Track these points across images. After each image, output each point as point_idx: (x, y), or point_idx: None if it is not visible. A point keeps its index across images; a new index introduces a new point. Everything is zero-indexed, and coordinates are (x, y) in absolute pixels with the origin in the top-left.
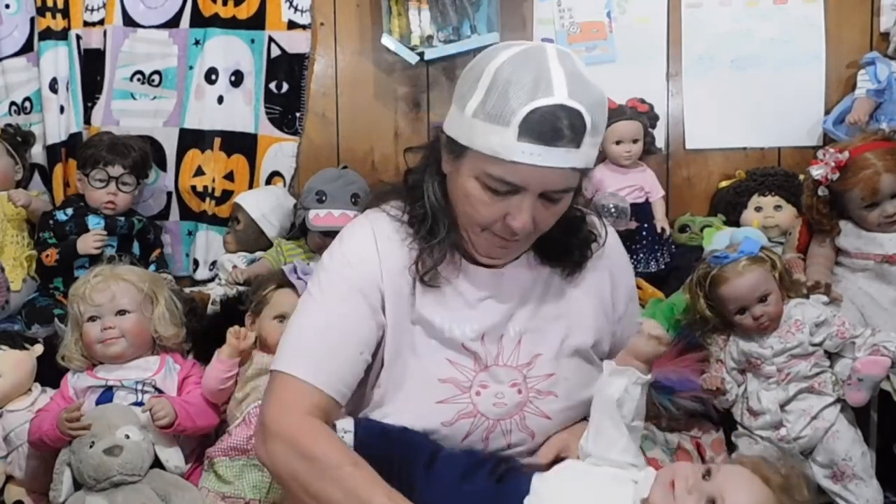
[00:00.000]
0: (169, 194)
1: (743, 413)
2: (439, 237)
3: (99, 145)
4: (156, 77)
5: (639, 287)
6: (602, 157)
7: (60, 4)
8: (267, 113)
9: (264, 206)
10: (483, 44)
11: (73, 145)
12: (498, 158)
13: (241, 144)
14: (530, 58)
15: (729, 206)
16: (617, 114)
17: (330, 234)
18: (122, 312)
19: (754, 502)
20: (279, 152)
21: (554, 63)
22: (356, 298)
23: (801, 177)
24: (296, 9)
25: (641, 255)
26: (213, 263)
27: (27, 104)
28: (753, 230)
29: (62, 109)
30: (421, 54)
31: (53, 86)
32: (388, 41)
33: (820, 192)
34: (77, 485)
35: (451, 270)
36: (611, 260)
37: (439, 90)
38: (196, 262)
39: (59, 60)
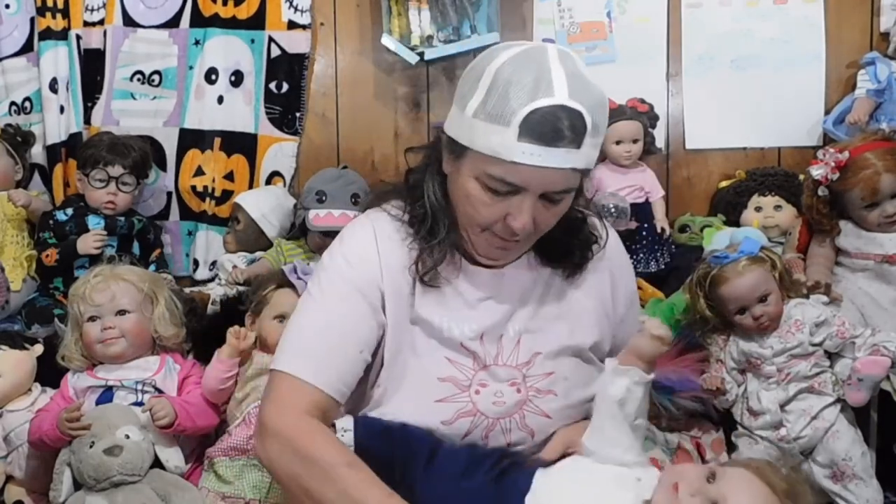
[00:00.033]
0: (169, 194)
1: (743, 413)
2: (439, 237)
3: (99, 145)
4: (156, 77)
5: (639, 287)
6: (602, 157)
7: (60, 4)
8: (267, 113)
9: (264, 206)
10: (483, 44)
11: (73, 145)
12: (498, 159)
13: (241, 144)
14: (531, 58)
15: (729, 206)
16: (617, 114)
17: (330, 234)
18: (122, 312)
19: None
20: (279, 152)
21: (555, 63)
22: (356, 298)
23: (801, 177)
24: (296, 9)
25: (641, 255)
26: (213, 263)
27: (27, 104)
28: (753, 230)
29: (62, 109)
30: (421, 54)
31: (53, 86)
32: (388, 41)
33: (820, 192)
34: (77, 485)
35: (451, 271)
36: (611, 261)
37: (439, 90)
38: (196, 262)
39: (59, 60)
